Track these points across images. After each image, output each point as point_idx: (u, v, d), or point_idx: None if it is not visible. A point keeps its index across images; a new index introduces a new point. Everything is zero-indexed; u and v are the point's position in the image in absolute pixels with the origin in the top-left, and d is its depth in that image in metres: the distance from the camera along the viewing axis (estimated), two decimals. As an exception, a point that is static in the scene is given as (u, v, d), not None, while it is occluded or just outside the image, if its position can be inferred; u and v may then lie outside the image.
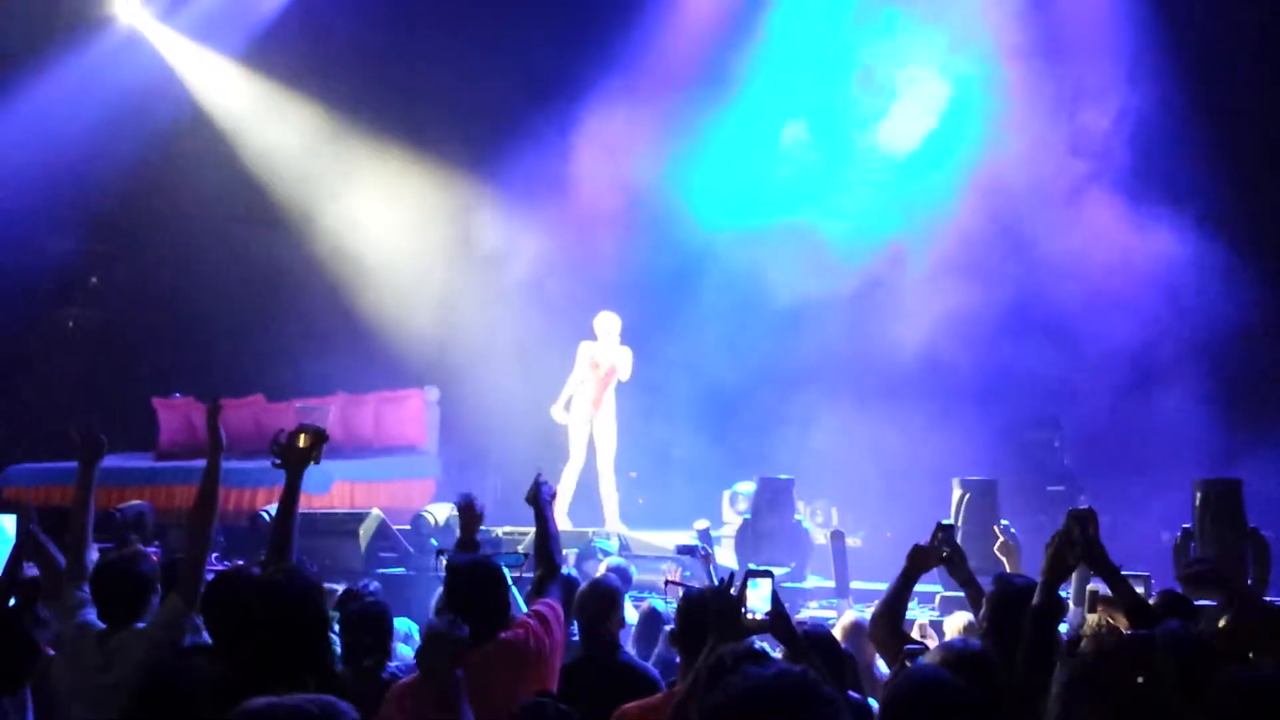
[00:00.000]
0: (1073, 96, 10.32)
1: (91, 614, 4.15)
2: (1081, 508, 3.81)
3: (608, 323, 9.90)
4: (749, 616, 3.31)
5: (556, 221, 11.48)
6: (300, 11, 12.63)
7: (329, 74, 12.46)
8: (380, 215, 12.24)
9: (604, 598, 4.47)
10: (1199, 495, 7.96)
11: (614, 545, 9.20)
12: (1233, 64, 9.92)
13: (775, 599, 3.35)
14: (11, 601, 4.42)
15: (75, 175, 12.64)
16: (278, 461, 3.78)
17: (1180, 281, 9.84)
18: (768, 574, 3.40)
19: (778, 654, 3.38)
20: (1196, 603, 4.86)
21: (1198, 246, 9.78)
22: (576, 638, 4.76)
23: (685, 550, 7.69)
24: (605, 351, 9.87)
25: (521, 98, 11.39)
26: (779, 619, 3.36)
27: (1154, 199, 9.97)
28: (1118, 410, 9.71)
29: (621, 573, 7.00)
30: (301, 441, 3.66)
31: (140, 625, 3.97)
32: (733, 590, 3.35)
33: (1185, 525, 7.99)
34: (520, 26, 11.57)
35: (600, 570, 6.79)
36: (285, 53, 12.63)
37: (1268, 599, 7.58)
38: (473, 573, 3.85)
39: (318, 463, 3.72)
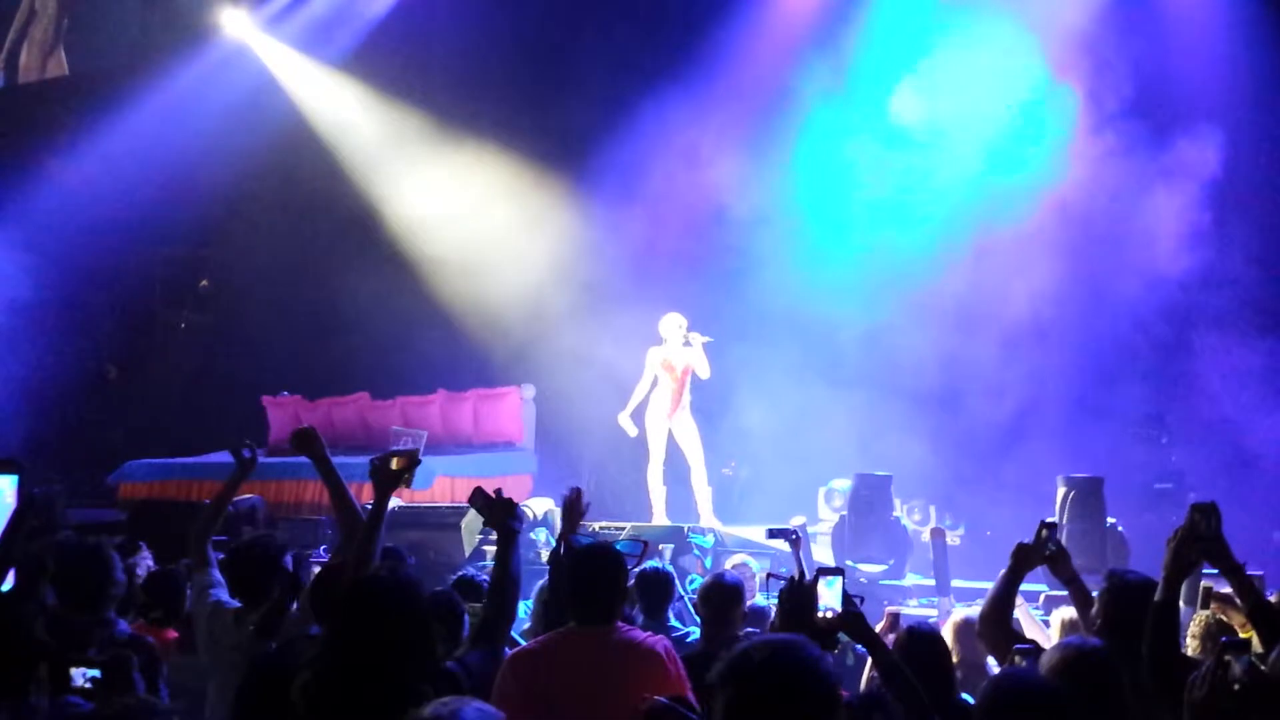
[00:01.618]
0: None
1: (223, 593, 4.34)
2: (1202, 502, 3.71)
3: (673, 323, 9.81)
4: (822, 614, 3.31)
5: (650, 221, 11.52)
6: (400, 18, 12.89)
7: (428, 78, 12.70)
8: (478, 215, 12.41)
9: (729, 592, 4.50)
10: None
11: (709, 540, 9.25)
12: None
13: (846, 597, 3.35)
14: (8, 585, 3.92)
15: (185, 183, 13.08)
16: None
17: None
18: (839, 572, 3.39)
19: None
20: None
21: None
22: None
23: (777, 534, 7.67)
24: (677, 353, 9.80)
25: (619, 99, 11.42)
26: (851, 617, 3.36)
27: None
28: (1225, 406, 9.43)
29: (737, 569, 7.03)
30: (394, 464, 3.79)
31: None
32: (804, 583, 3.36)
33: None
34: (615, 32, 11.62)
35: (727, 565, 6.86)
36: (385, 59, 12.90)
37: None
38: (593, 556, 3.88)
39: (409, 486, 3.89)
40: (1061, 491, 8.24)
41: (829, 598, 3.33)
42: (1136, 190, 9.99)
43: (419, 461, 3.88)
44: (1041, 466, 8.88)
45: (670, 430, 9.91)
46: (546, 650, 3.81)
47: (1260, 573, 7.70)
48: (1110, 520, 8.21)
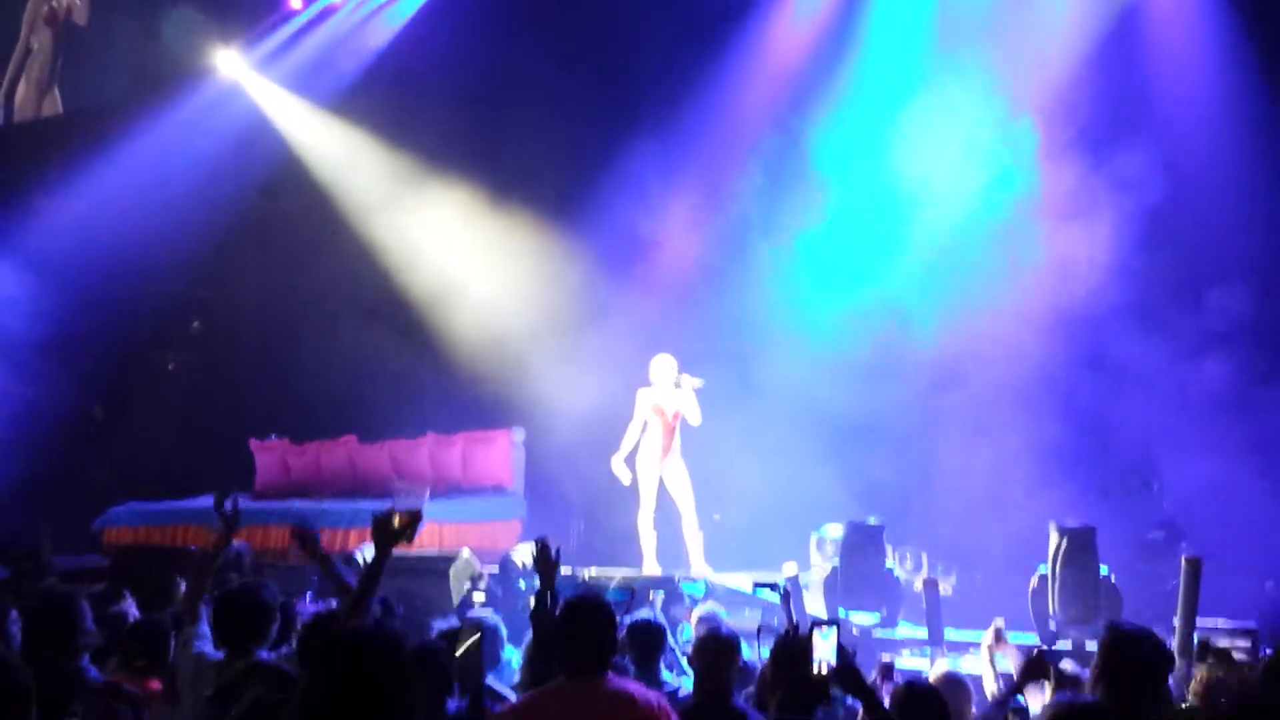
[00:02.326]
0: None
1: (207, 645, 4.32)
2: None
3: (664, 365, 9.77)
4: (817, 667, 3.28)
5: (642, 271, 11.54)
6: (391, 61, 12.97)
7: (419, 122, 12.73)
8: (469, 259, 12.42)
9: (725, 645, 4.47)
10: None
11: (700, 588, 9.16)
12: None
13: (841, 651, 3.32)
14: None
15: (176, 223, 13.06)
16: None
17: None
18: (834, 624, 3.37)
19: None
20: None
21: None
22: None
23: (765, 585, 7.60)
24: (667, 396, 9.76)
25: (610, 150, 11.49)
26: (845, 671, 3.32)
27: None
28: (1218, 454, 9.41)
29: (712, 620, 6.97)
30: (396, 521, 3.79)
31: (262, 655, 4.08)
32: (798, 636, 3.33)
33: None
34: (611, 81, 11.71)
35: (693, 619, 6.79)
36: (377, 102, 12.95)
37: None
38: (582, 605, 3.85)
39: (410, 542, 3.86)
40: (1054, 540, 8.20)
41: (823, 650, 3.31)
42: (1119, 235, 10.05)
43: (420, 517, 3.86)
44: (1033, 514, 8.83)
45: (661, 476, 9.84)
46: (536, 705, 3.79)
47: (1254, 626, 7.74)
48: (1103, 570, 8.16)
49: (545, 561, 4.47)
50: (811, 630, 3.33)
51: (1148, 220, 9.96)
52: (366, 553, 9.49)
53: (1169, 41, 10.37)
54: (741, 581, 9.42)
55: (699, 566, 9.70)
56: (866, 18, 11.40)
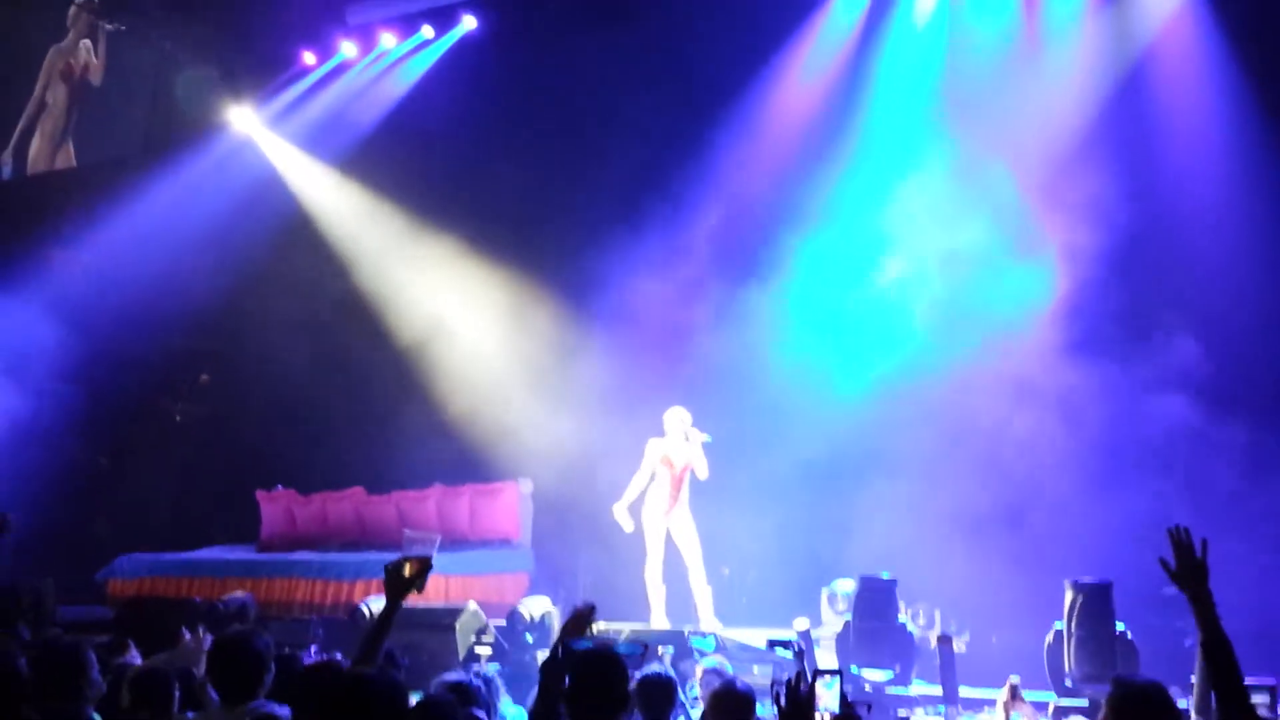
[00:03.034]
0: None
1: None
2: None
3: (676, 417, 9.71)
4: (820, 716, 3.28)
5: (643, 325, 11.55)
6: (400, 121, 13.11)
7: (426, 181, 12.85)
8: (475, 314, 12.45)
9: (741, 700, 4.39)
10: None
11: (710, 643, 9.03)
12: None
13: (844, 699, 3.33)
14: None
15: (186, 275, 13.14)
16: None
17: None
18: (837, 673, 3.39)
19: None
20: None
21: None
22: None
23: (779, 644, 7.50)
24: (677, 448, 9.70)
25: (610, 216, 11.57)
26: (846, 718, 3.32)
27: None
28: (1233, 503, 9.32)
29: (720, 674, 6.86)
30: (407, 570, 3.82)
31: (264, 705, 4.03)
32: (803, 688, 3.31)
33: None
34: (613, 152, 11.79)
35: (697, 673, 6.68)
36: (384, 159, 13.07)
37: None
38: (595, 659, 3.84)
39: (420, 591, 3.89)
40: (1069, 597, 8.09)
41: (827, 699, 3.31)
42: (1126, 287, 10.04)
43: (430, 566, 3.89)
44: (1048, 569, 8.72)
45: (668, 528, 9.76)
46: None
47: (1273, 682, 7.62)
48: (1119, 626, 8.04)
49: (580, 623, 4.37)
50: (815, 678, 3.33)
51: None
52: (373, 605, 9.45)
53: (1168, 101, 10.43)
54: (751, 637, 9.31)
55: (708, 621, 9.59)
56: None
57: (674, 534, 9.78)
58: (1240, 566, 8.93)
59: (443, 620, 8.94)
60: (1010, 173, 10.46)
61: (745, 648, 9.04)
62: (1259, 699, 7.00)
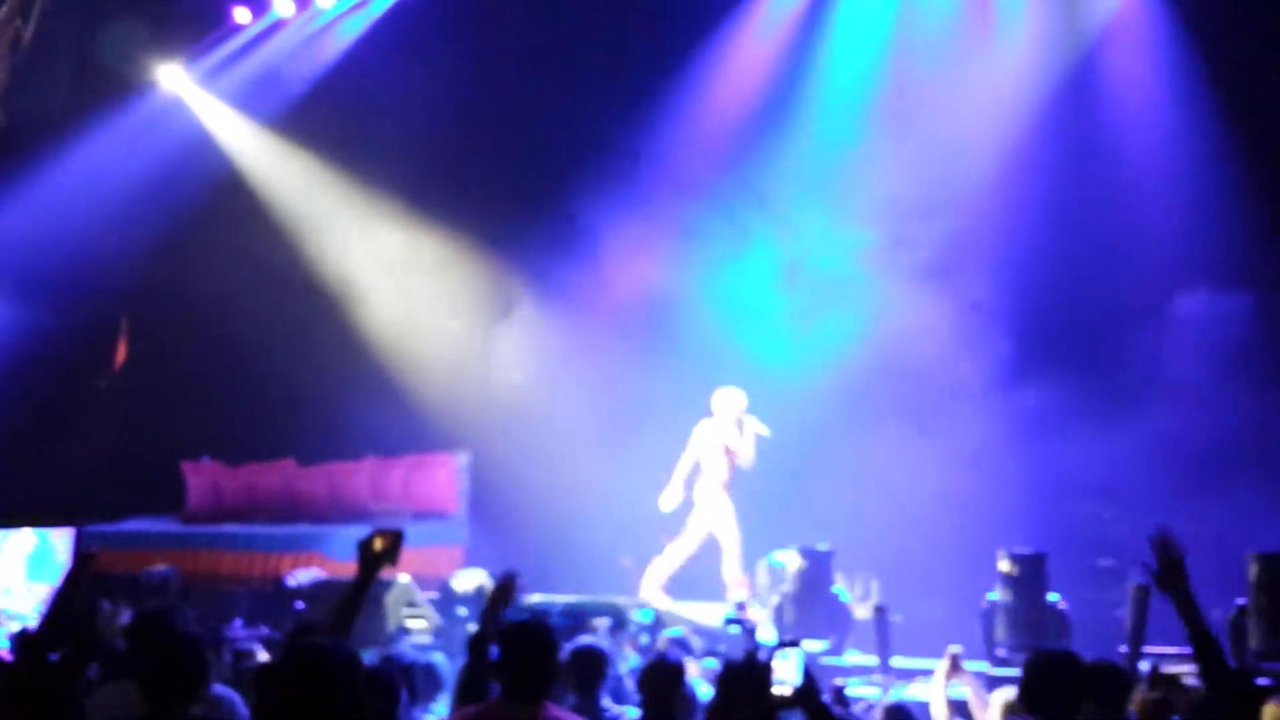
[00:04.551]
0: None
1: None
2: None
3: (730, 400, 9.47)
4: (777, 689, 3.24)
5: (588, 298, 11.42)
6: (339, 81, 12.79)
7: (365, 142, 12.55)
8: (412, 282, 12.23)
9: (670, 673, 4.41)
10: (1254, 569, 7.70)
11: (649, 616, 9.00)
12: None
13: (806, 672, 3.29)
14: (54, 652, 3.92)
15: (111, 238, 12.75)
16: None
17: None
18: (796, 645, 3.34)
19: None
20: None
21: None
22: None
23: (735, 622, 7.50)
24: (730, 434, 9.48)
25: (554, 183, 11.43)
26: (808, 692, 3.27)
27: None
28: (1171, 483, 9.42)
29: (682, 644, 6.81)
30: (377, 544, 3.74)
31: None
32: (760, 660, 3.28)
33: (1240, 602, 7.72)
34: (557, 117, 11.63)
35: (662, 644, 6.64)
36: (325, 121, 12.76)
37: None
38: (524, 630, 3.81)
39: (394, 565, 3.82)
40: (1004, 567, 8.15)
41: (785, 671, 3.26)
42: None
43: (403, 539, 3.81)
44: (983, 540, 8.76)
45: (710, 510, 9.53)
46: None
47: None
48: (1052, 597, 8.11)
49: (505, 593, 4.40)
50: (774, 652, 3.30)
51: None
52: (300, 578, 9.28)
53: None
54: (690, 609, 9.30)
55: (740, 598, 9.31)
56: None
57: (714, 521, 9.58)
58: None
59: (372, 593, 8.75)
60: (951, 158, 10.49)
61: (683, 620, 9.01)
62: (1188, 669, 7.10)
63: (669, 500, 9.60)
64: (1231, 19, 9.92)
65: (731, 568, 9.63)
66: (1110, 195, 10.22)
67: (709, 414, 9.67)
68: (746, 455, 9.47)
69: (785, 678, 3.27)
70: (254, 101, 13.20)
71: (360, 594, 3.74)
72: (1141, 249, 10.03)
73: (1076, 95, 10.52)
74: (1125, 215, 10.14)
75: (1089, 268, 10.16)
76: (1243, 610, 7.68)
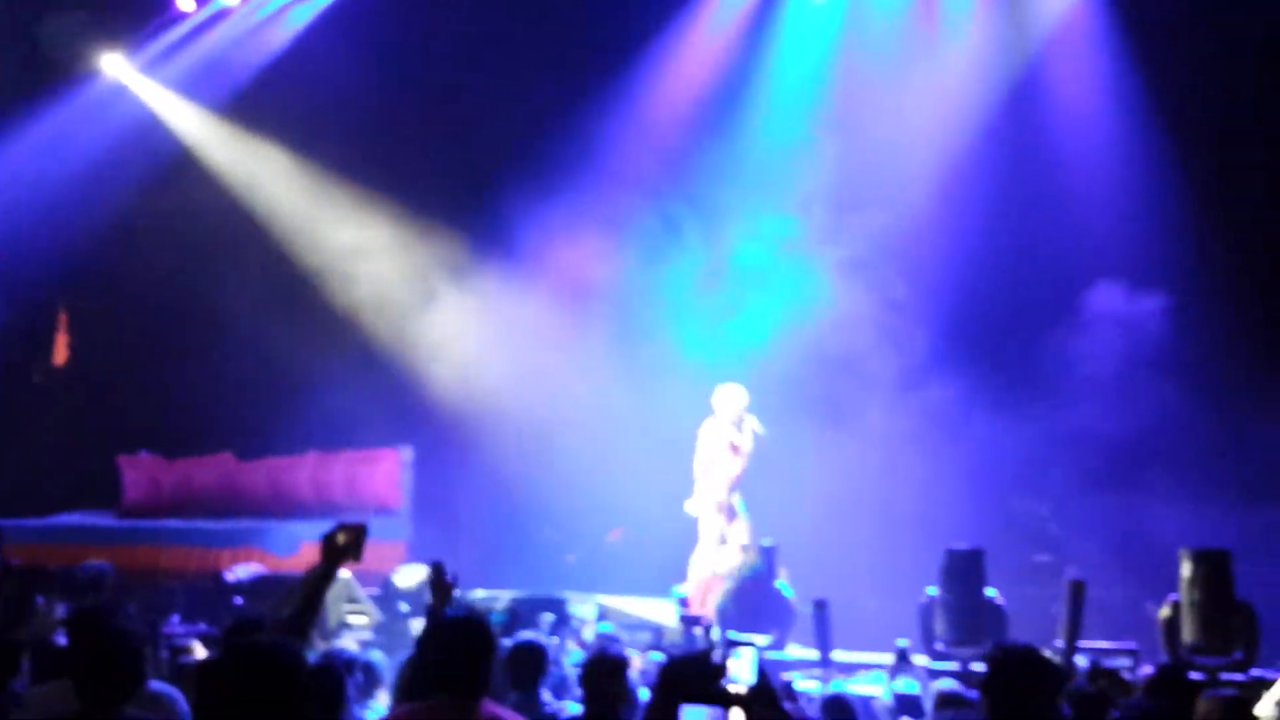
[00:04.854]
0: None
1: None
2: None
3: (732, 398, 9.36)
4: (730, 687, 3.22)
5: (538, 285, 11.39)
6: (288, 68, 12.64)
7: (315, 128, 12.41)
8: (361, 268, 12.11)
9: (612, 666, 4.40)
10: (1187, 566, 7.85)
11: (592, 611, 9.01)
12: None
13: (761, 671, 3.27)
14: None
15: (52, 228, 12.51)
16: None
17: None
18: (750, 644, 3.33)
19: None
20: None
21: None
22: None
23: (691, 620, 7.51)
24: (732, 431, 9.37)
25: (505, 164, 11.37)
26: (762, 690, 3.25)
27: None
28: (1103, 481, 9.59)
29: (611, 640, 6.83)
30: (340, 538, 3.72)
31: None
32: (714, 659, 3.26)
33: (1173, 597, 7.88)
34: (507, 97, 11.56)
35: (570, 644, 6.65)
36: (275, 108, 12.61)
37: (1258, 672, 7.49)
38: (459, 625, 3.75)
39: (358, 560, 3.81)
40: (942, 562, 8.25)
41: (738, 669, 3.26)
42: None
43: (366, 533, 3.78)
44: (923, 536, 8.87)
45: (722, 511, 9.41)
46: None
47: (1134, 647, 7.87)
48: (990, 592, 8.23)
49: (439, 585, 4.41)
50: (727, 651, 3.31)
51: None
52: (239, 573, 9.18)
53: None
54: (634, 605, 9.32)
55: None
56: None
57: (726, 522, 9.45)
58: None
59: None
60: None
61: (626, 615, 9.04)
62: (1122, 662, 7.25)
63: (697, 505, 9.44)
64: (1170, 25, 10.12)
65: None
66: (1034, 195, 10.42)
67: (710, 413, 9.58)
68: (747, 450, 9.40)
69: (739, 676, 3.26)
70: (200, 89, 13.01)
71: (322, 588, 3.73)
72: (1062, 248, 10.23)
73: (1009, 98, 10.70)
74: (1047, 215, 10.36)
75: (1010, 266, 10.32)
76: (1176, 606, 7.85)
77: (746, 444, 9.38)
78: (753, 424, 9.42)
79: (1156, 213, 9.99)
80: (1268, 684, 7.06)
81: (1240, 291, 9.85)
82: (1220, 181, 10.02)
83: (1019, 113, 10.63)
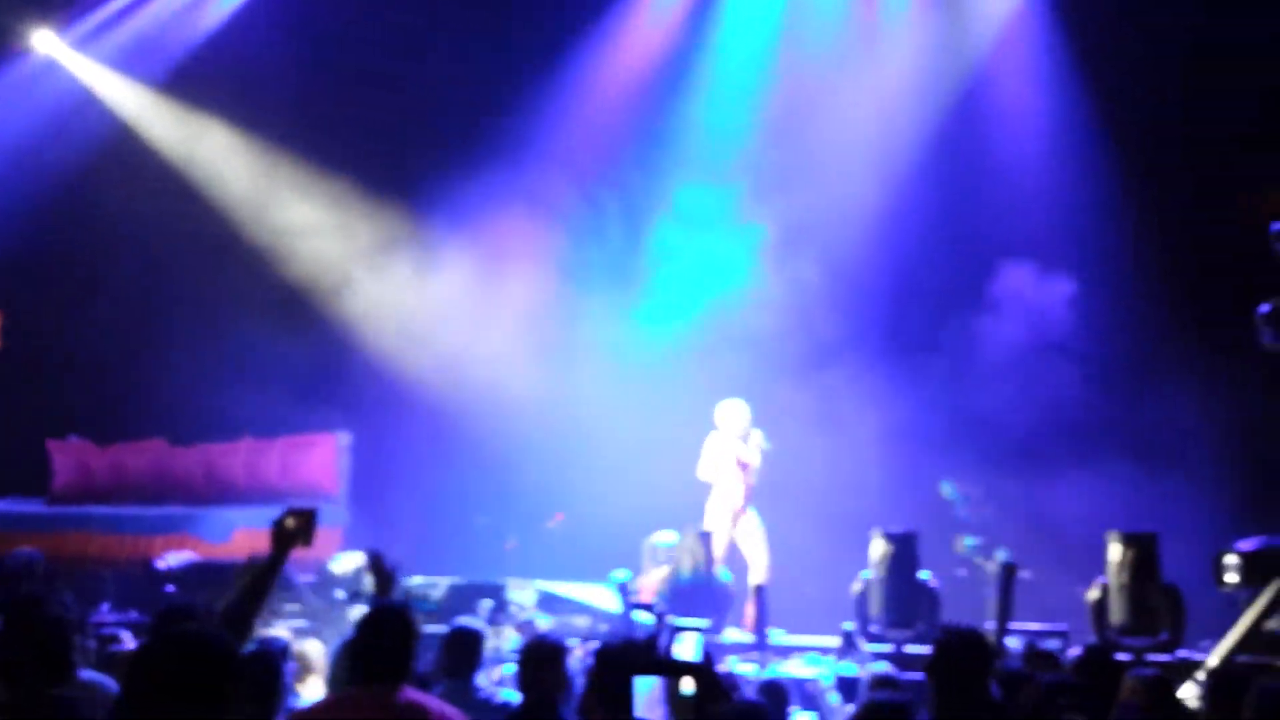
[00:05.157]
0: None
1: None
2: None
3: (735, 415, 9.28)
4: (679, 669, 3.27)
5: (478, 262, 11.33)
6: (225, 44, 12.42)
7: (254, 104, 12.21)
8: (297, 247, 11.96)
9: (549, 652, 4.41)
10: (1115, 549, 8.01)
11: (531, 598, 9.01)
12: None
13: (706, 654, 3.34)
14: None
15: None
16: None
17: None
18: (695, 629, 3.39)
19: None
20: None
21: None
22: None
23: (641, 607, 7.52)
24: (738, 448, 9.28)
25: (445, 137, 11.30)
26: (704, 673, 3.31)
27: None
28: (1033, 464, 9.76)
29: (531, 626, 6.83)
30: (290, 523, 3.75)
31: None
32: (659, 644, 3.30)
33: (1101, 579, 8.03)
34: (447, 75, 11.49)
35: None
36: (214, 83, 12.39)
37: (1184, 653, 7.69)
38: (378, 612, 3.82)
39: (308, 544, 3.84)
40: (878, 546, 8.34)
41: (685, 653, 3.32)
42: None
43: (316, 519, 3.84)
44: (857, 518, 8.96)
45: (734, 532, 9.28)
46: (324, 711, 3.83)
47: (1064, 628, 8.02)
48: (923, 575, 8.34)
49: (379, 573, 4.44)
50: (673, 635, 3.36)
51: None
52: (171, 560, 9.06)
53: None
54: (575, 591, 9.32)
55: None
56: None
57: (739, 537, 9.34)
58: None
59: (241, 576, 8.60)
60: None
61: (565, 601, 9.05)
62: (1052, 645, 7.38)
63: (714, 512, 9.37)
64: (1101, 22, 10.32)
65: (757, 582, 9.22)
66: (952, 181, 10.61)
67: (714, 428, 9.49)
68: (755, 466, 9.32)
69: (684, 658, 3.32)
70: (136, 65, 12.75)
71: (272, 575, 3.73)
72: (976, 232, 10.46)
73: (937, 86, 10.88)
74: (965, 200, 10.54)
75: (924, 248, 10.51)
76: (1104, 588, 8.00)
77: (754, 460, 9.33)
78: (758, 439, 9.35)
79: (1071, 201, 10.23)
80: (1193, 664, 7.29)
81: (1142, 278, 10.10)
82: (1137, 175, 10.26)
83: (949, 102, 10.80)
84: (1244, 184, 10.19)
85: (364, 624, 3.77)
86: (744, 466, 9.32)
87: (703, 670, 3.32)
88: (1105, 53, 10.33)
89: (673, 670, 3.27)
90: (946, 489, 9.40)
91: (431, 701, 3.72)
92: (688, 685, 3.06)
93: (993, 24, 11.07)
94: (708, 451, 9.41)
